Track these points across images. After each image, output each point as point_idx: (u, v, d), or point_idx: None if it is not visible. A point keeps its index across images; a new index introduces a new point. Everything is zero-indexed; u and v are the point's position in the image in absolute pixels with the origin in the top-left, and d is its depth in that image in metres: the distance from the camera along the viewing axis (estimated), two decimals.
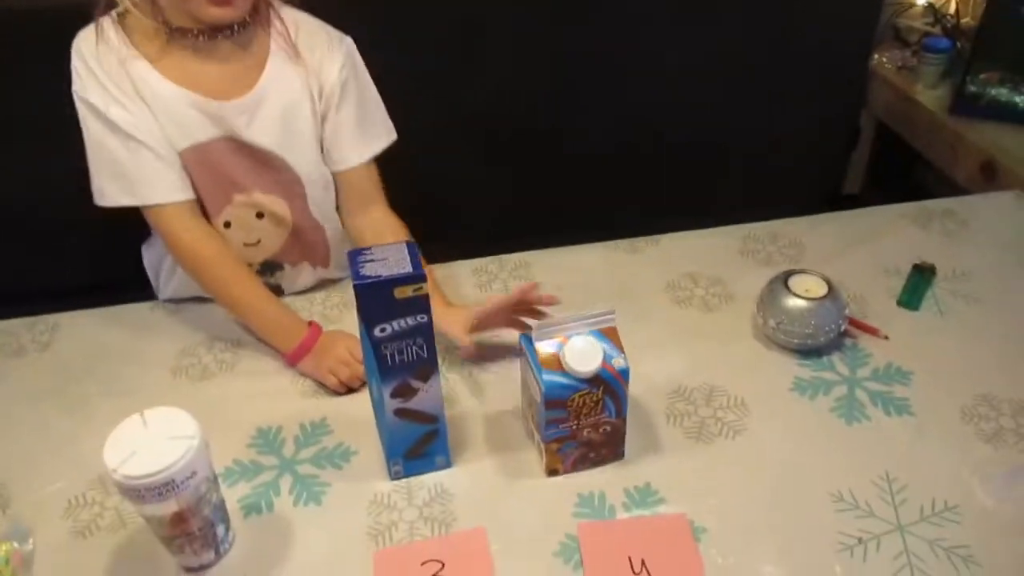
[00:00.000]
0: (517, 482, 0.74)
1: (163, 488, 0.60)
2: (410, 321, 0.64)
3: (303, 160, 0.91)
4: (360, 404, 0.82)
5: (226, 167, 0.89)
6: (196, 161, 0.87)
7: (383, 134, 0.95)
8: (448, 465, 0.75)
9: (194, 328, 0.94)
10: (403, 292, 0.63)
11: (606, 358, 0.69)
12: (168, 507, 0.62)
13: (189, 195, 0.88)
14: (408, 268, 0.63)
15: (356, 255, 0.65)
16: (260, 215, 0.93)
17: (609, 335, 0.70)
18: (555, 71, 1.22)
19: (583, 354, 0.68)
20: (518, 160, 1.28)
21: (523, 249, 1.03)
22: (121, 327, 0.95)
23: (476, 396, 0.81)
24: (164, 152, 0.85)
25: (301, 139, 0.90)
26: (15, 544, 0.69)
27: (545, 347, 0.69)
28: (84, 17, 0.84)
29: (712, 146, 1.31)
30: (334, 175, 0.94)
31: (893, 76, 1.54)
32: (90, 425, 0.82)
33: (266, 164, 0.90)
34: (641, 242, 1.03)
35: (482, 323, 0.83)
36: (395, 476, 0.74)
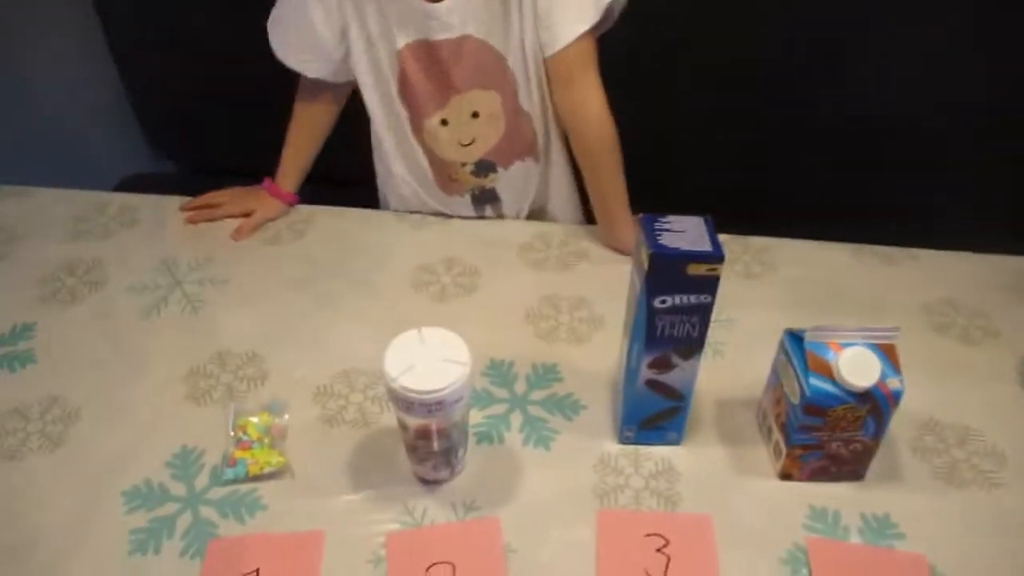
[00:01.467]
0: (746, 477, 0.72)
1: (433, 406, 0.62)
2: (693, 299, 0.63)
3: (510, 46, 0.90)
4: (590, 358, 0.83)
5: (444, 65, 0.90)
6: (413, 58, 0.91)
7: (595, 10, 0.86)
8: (679, 442, 0.74)
9: (435, 246, 0.97)
10: (696, 269, 0.61)
11: (882, 376, 0.65)
12: (427, 422, 0.65)
13: (319, 76, 0.96)
14: (707, 246, 0.61)
15: (652, 221, 0.63)
16: (475, 115, 0.94)
17: (887, 352, 0.66)
18: (827, 43, 1.14)
19: (860, 367, 0.65)
20: (762, 131, 1.22)
21: (754, 229, 0.99)
22: (370, 230, 1.00)
23: (713, 378, 0.79)
24: (324, 37, 0.92)
25: (502, 23, 0.89)
26: (275, 417, 0.76)
27: (816, 351, 0.66)
28: None
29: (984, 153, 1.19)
30: (547, 56, 0.90)
31: None
32: (337, 319, 0.88)
33: (480, 59, 0.90)
34: (898, 253, 0.96)
35: None
36: (625, 440, 0.74)
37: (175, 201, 1.05)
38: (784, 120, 1.20)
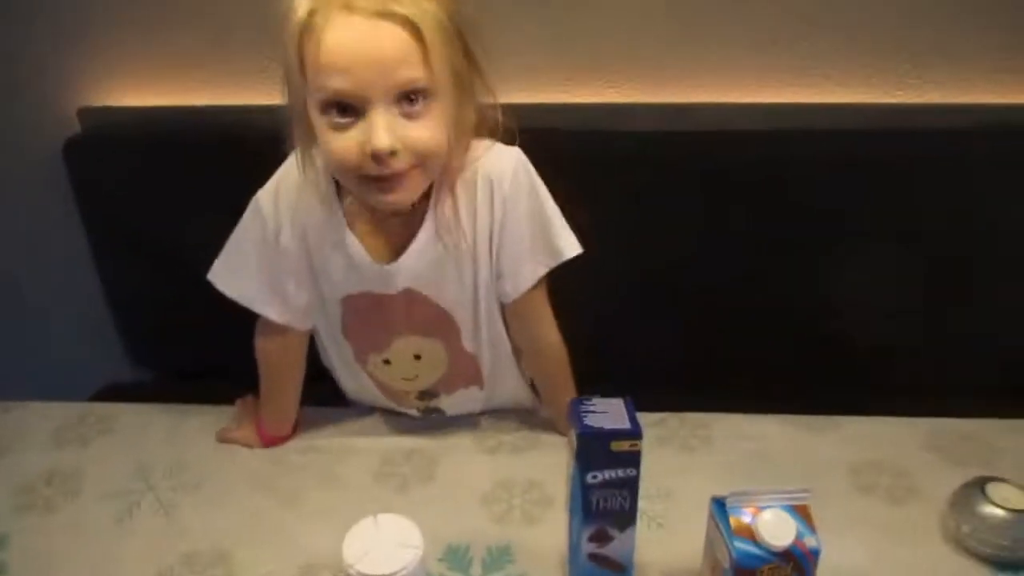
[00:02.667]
0: None
1: None
2: (620, 473, 0.70)
3: (452, 301, 0.93)
4: (542, 537, 0.87)
5: (384, 313, 0.93)
6: (358, 305, 0.94)
7: (562, 248, 0.91)
8: None
9: (396, 438, 1.04)
10: (620, 446, 0.69)
11: (799, 535, 0.71)
12: None
13: (284, 321, 0.96)
14: (627, 424, 0.70)
15: (579, 404, 0.72)
16: (417, 356, 0.98)
17: (802, 512, 0.72)
18: (746, 250, 1.28)
19: (777, 528, 0.71)
20: (693, 317, 1.33)
21: (688, 406, 1.08)
22: (333, 427, 1.07)
23: (658, 551, 0.84)
24: (288, 288, 0.93)
25: (449, 284, 0.92)
26: None
27: (738, 515, 0.72)
28: None
29: (899, 340, 1.31)
30: (506, 303, 0.94)
31: None
32: (301, 514, 0.93)
33: (419, 308, 0.93)
34: (821, 421, 1.04)
35: None
36: None
37: (153, 409, 1.12)
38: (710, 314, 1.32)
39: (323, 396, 1.10)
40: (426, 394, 1.04)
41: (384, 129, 0.73)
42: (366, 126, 0.74)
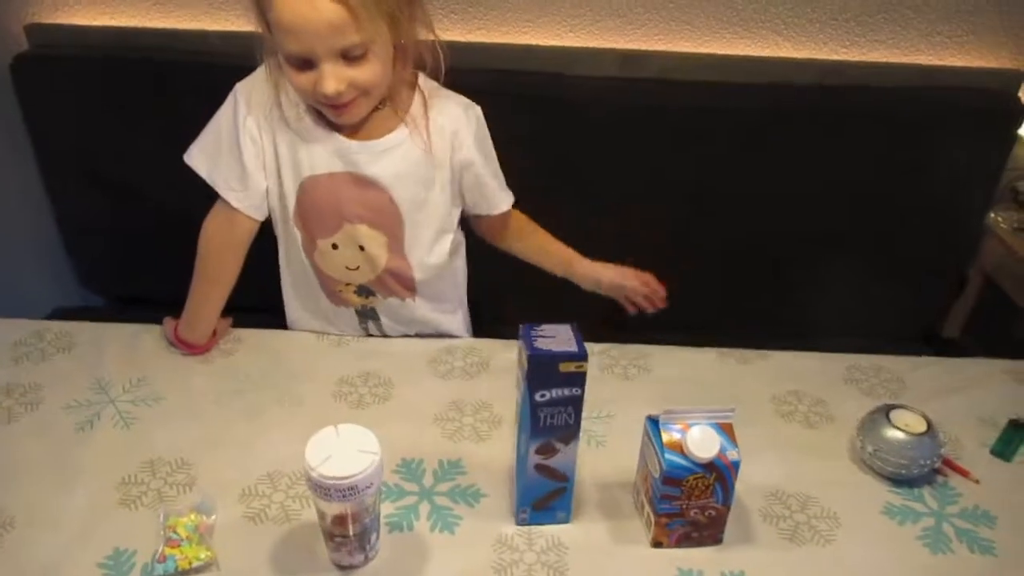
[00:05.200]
0: (624, 547, 0.83)
1: (347, 491, 0.72)
2: (567, 392, 0.76)
3: (408, 202, 1.06)
4: (491, 453, 0.94)
5: (341, 196, 1.04)
6: (316, 187, 1.04)
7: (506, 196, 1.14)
8: (567, 521, 0.85)
9: (353, 361, 1.09)
10: (567, 367, 0.75)
11: (722, 448, 0.79)
12: (342, 508, 0.74)
13: (240, 207, 1.05)
14: (574, 347, 0.75)
15: (529, 330, 0.77)
16: (362, 247, 1.08)
17: (726, 429, 0.80)
18: (687, 188, 1.35)
19: (703, 442, 0.79)
20: (639, 251, 1.40)
21: (631, 339, 1.15)
22: (294, 349, 1.11)
23: (597, 466, 0.92)
24: (252, 173, 1.04)
25: (412, 183, 1.05)
26: (203, 516, 0.83)
27: (669, 431, 0.80)
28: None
29: (818, 267, 1.41)
30: (480, 220, 1.15)
31: (1007, 235, 1.61)
32: (263, 427, 0.97)
33: (375, 199, 1.05)
34: (751, 354, 1.13)
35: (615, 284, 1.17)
36: (521, 522, 0.85)
37: (111, 328, 1.14)
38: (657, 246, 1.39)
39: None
40: (363, 290, 1.13)
41: (329, 77, 0.92)
42: (317, 75, 0.93)
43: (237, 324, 1.15)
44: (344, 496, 0.73)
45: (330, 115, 0.99)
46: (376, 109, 1.01)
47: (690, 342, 1.14)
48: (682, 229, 1.38)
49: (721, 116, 1.30)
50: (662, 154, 1.32)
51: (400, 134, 1.03)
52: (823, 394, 1.06)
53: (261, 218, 1.08)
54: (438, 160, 1.06)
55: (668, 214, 1.36)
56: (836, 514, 0.88)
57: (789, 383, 1.08)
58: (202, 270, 1.09)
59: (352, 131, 1.03)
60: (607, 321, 1.17)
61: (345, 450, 0.74)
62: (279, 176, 1.05)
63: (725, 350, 1.13)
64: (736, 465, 0.79)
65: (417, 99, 1.04)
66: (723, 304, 1.43)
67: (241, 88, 1.04)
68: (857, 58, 1.34)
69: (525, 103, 1.25)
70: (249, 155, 1.03)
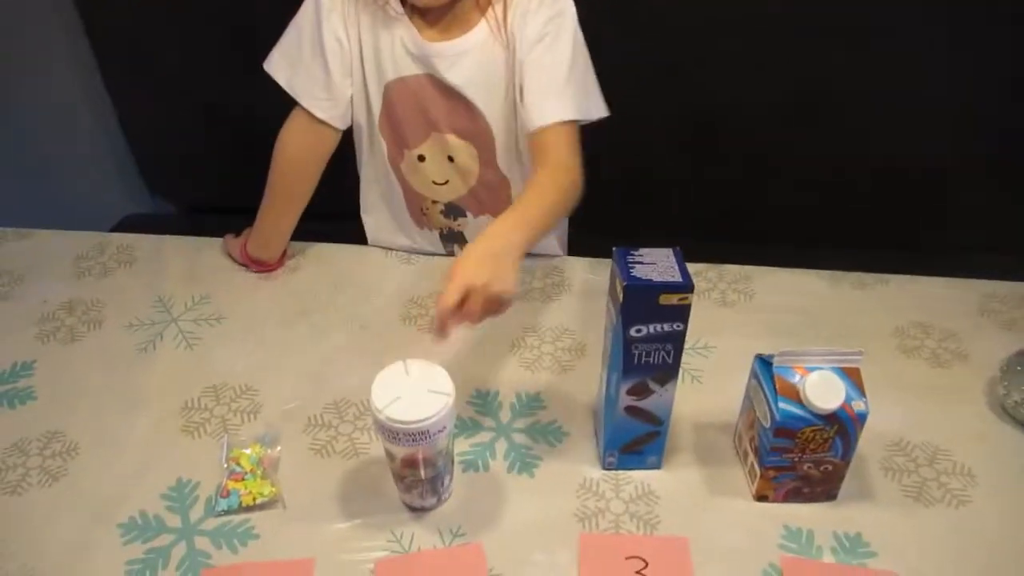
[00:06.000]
0: (723, 499, 0.74)
1: (417, 435, 0.65)
2: (666, 327, 0.66)
3: (496, 112, 0.95)
4: (573, 385, 0.86)
5: (426, 103, 0.95)
6: (400, 92, 0.95)
7: (589, 107, 0.91)
8: (659, 466, 0.77)
9: (423, 280, 1.00)
10: (668, 299, 0.64)
11: (847, 398, 0.68)
12: (413, 451, 0.67)
13: (324, 117, 0.96)
14: (677, 276, 0.65)
15: (624, 254, 0.67)
16: (451, 158, 0.98)
17: (852, 375, 0.69)
18: (791, 84, 1.18)
19: (825, 390, 0.68)
20: (732, 166, 1.25)
21: (731, 257, 1.02)
22: (361, 266, 1.04)
23: (691, 404, 0.82)
24: (337, 79, 0.94)
25: (496, 92, 0.93)
26: (267, 448, 0.78)
27: (784, 375, 0.69)
28: None
29: (947, 181, 1.23)
30: (529, 131, 0.90)
31: None
32: (328, 351, 0.91)
33: (461, 108, 0.95)
34: (869, 278, 0.99)
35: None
36: (607, 466, 0.76)
37: (172, 241, 1.09)
38: (752, 163, 1.24)
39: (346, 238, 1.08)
40: (452, 209, 1.03)
41: None
42: None
43: (306, 231, 1.07)
44: (414, 440, 0.66)
45: None
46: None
47: (798, 257, 1.01)
48: (783, 136, 1.21)
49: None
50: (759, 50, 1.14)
51: (479, 33, 0.91)
52: (955, 327, 0.92)
53: (344, 127, 0.99)
54: (514, 61, 0.92)
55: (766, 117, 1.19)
56: (971, 470, 0.76)
57: (914, 313, 0.94)
58: (279, 185, 1.01)
59: (431, 27, 0.92)
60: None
61: (415, 390, 0.66)
62: (364, 79, 0.96)
63: (839, 273, 1.00)
64: (862, 417, 0.68)
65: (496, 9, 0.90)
66: (825, 220, 1.27)
67: None
68: None
69: None
70: (333, 57, 0.93)
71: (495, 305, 0.73)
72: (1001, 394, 0.81)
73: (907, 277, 0.99)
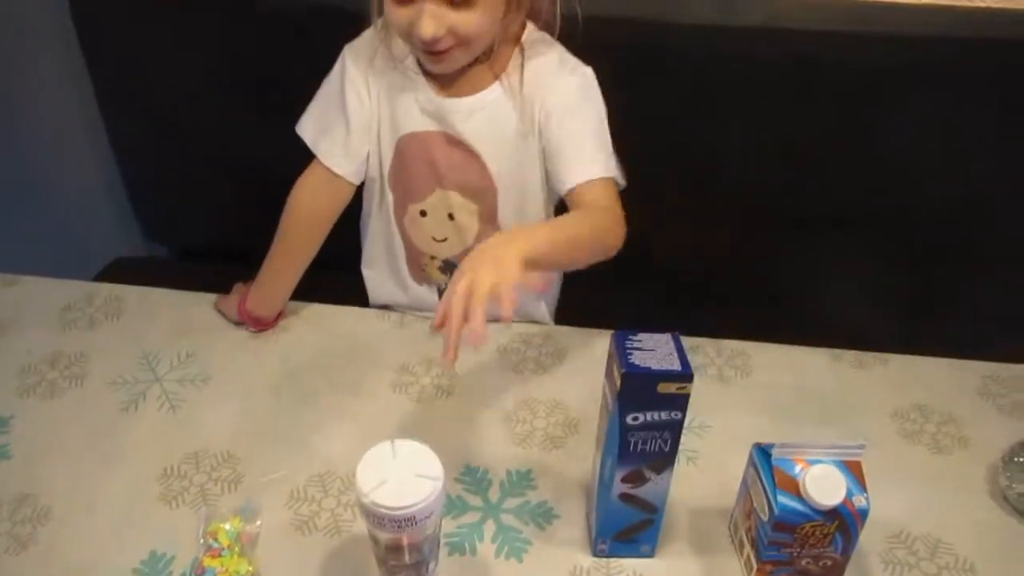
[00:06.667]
0: None
1: (403, 521, 0.62)
2: (664, 415, 0.64)
3: (502, 167, 0.96)
4: (565, 463, 0.83)
5: (435, 157, 0.96)
6: (412, 145, 0.96)
7: (617, 172, 0.92)
8: (652, 555, 0.74)
9: (417, 345, 0.98)
10: (667, 387, 0.63)
11: (848, 493, 0.66)
12: (398, 536, 0.65)
13: (342, 172, 0.97)
14: (676, 364, 0.63)
15: (623, 339, 0.65)
16: (451, 216, 0.99)
17: (853, 469, 0.67)
18: (800, 151, 1.18)
19: (826, 485, 0.66)
20: (735, 226, 1.25)
21: (727, 325, 1.01)
22: (354, 328, 1.02)
23: (686, 486, 0.80)
24: (356, 136, 0.96)
25: (504, 147, 0.94)
26: (246, 523, 0.75)
27: (784, 467, 0.67)
28: None
29: (953, 248, 1.22)
30: (568, 190, 0.91)
31: None
32: (315, 419, 0.88)
33: (469, 163, 0.95)
34: (869, 358, 0.98)
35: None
36: (599, 553, 0.74)
37: (162, 293, 1.06)
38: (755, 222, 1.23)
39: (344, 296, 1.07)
40: (450, 266, 1.03)
41: (428, 18, 0.82)
42: (416, 13, 0.82)
43: (304, 283, 1.04)
44: (399, 527, 0.63)
45: (425, 61, 0.91)
46: (476, 63, 0.91)
47: (798, 335, 0.99)
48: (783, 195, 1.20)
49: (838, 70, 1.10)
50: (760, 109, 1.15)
51: (492, 92, 0.92)
52: (954, 410, 0.91)
53: (359, 182, 1.00)
54: (527, 122, 0.93)
55: (767, 176, 1.18)
56: (973, 566, 0.74)
57: (914, 395, 0.93)
58: (288, 239, 1.00)
59: (444, 86, 0.93)
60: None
61: (402, 473, 0.64)
62: (379, 135, 0.98)
63: (838, 351, 0.99)
64: (864, 513, 0.66)
65: (516, 54, 0.92)
66: (830, 294, 1.26)
67: (348, 50, 0.97)
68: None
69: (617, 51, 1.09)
70: (354, 116, 0.96)
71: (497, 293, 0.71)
72: (1003, 485, 0.79)
73: (906, 357, 0.98)
